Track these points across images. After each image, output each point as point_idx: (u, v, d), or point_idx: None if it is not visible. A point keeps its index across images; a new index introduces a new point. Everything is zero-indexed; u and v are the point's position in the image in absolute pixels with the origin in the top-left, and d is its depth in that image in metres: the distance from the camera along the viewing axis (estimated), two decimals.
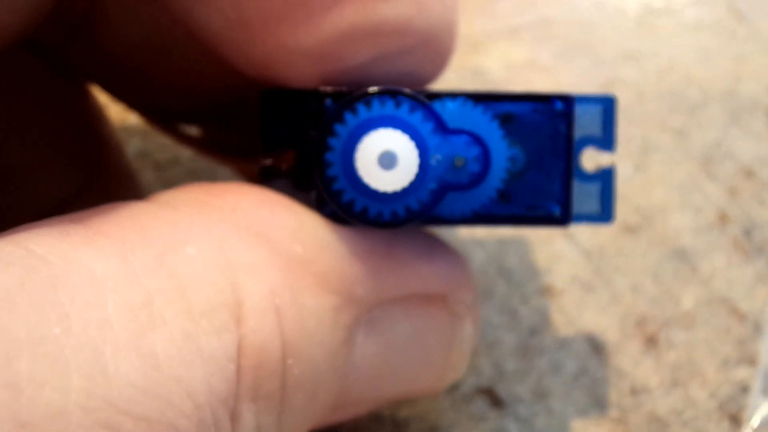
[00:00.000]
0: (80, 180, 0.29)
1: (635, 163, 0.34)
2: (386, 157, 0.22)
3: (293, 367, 0.21)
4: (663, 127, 0.34)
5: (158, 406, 0.18)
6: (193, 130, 0.32)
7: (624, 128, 0.32)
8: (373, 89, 0.23)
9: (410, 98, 0.23)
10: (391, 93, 0.23)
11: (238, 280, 0.21)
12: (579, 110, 0.24)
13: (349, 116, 0.23)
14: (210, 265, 0.20)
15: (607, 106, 0.24)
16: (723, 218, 0.33)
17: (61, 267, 0.18)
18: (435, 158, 0.23)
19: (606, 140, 0.24)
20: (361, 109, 0.23)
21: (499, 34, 0.36)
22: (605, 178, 0.24)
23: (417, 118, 0.23)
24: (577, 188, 0.24)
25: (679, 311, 0.31)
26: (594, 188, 0.24)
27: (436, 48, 0.24)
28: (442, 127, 0.23)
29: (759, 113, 0.35)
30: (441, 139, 0.23)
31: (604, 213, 0.24)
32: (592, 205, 0.24)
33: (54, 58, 0.29)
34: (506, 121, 0.23)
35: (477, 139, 0.23)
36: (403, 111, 0.23)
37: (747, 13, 0.36)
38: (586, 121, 0.24)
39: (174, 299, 0.19)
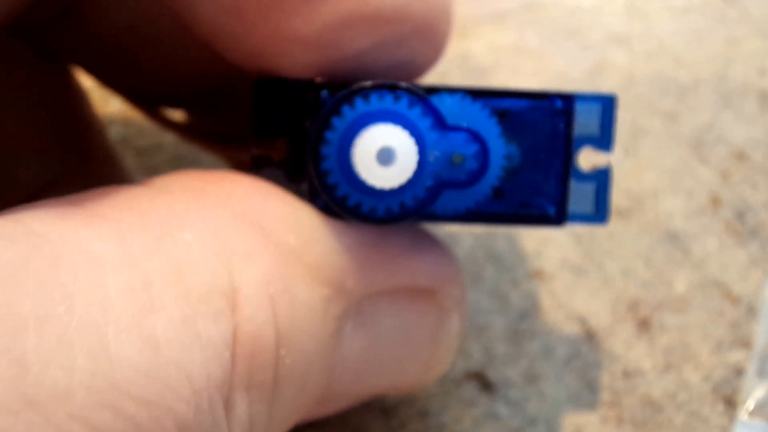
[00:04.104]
0: (63, 162, 0.29)
1: (625, 146, 0.33)
2: (385, 153, 0.22)
3: (285, 358, 0.21)
4: (653, 110, 0.34)
5: (159, 390, 0.18)
6: (177, 115, 0.31)
7: None
8: (371, 83, 0.22)
9: (409, 92, 0.22)
10: (389, 87, 0.22)
11: (234, 267, 0.21)
12: (578, 108, 0.23)
13: (346, 109, 0.22)
14: (206, 251, 0.20)
15: (606, 105, 0.23)
16: (715, 201, 0.32)
17: (62, 246, 0.18)
18: (433, 155, 0.22)
19: (604, 140, 0.24)
20: (359, 102, 0.22)
21: (485, 18, 0.36)
22: (601, 178, 0.24)
23: (416, 113, 0.22)
24: (572, 188, 0.24)
25: (672, 295, 0.31)
26: (589, 188, 0.24)
27: (433, 35, 0.24)
28: (440, 122, 0.22)
29: (750, 96, 0.34)
30: (439, 136, 0.22)
31: (599, 214, 0.24)
32: (587, 205, 0.24)
33: (38, 40, 0.28)
34: (504, 117, 0.23)
35: (475, 136, 0.23)
36: (402, 105, 0.22)
37: None
38: (584, 120, 0.23)
39: (172, 283, 0.19)
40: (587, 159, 0.24)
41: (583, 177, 0.24)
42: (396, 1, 0.23)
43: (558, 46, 0.35)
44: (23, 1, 0.24)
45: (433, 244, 0.25)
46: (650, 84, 0.34)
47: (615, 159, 0.33)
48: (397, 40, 0.23)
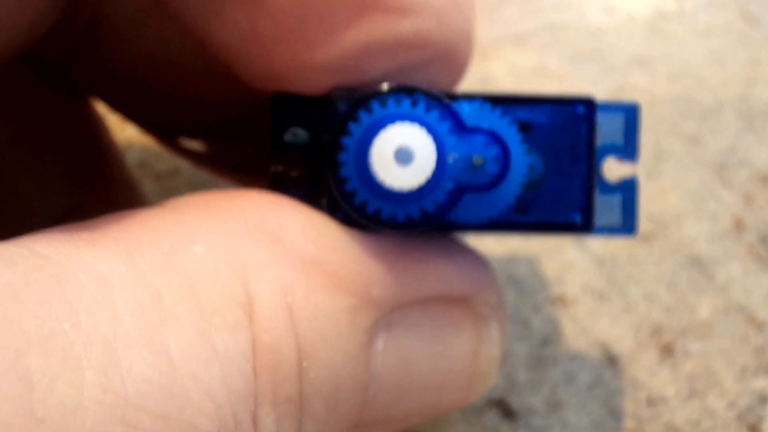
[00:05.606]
0: (81, 192, 0.29)
1: (647, 170, 0.33)
2: (402, 153, 0.21)
3: (309, 371, 0.20)
4: (675, 133, 0.34)
5: (177, 404, 0.18)
6: (194, 144, 0.31)
7: None
8: (387, 87, 0.22)
9: (426, 96, 0.22)
10: (406, 90, 0.22)
11: (249, 278, 0.20)
12: (601, 118, 0.23)
13: (363, 115, 0.22)
14: (219, 263, 0.20)
15: (630, 114, 0.23)
16: (739, 225, 0.32)
17: (65, 266, 0.18)
18: (452, 156, 0.22)
19: (628, 149, 0.23)
20: (376, 107, 0.22)
21: (505, 40, 0.35)
22: (627, 188, 0.23)
23: (433, 116, 0.22)
24: (599, 199, 0.23)
25: (696, 320, 0.31)
26: (615, 199, 0.23)
27: (455, 59, 0.24)
28: (459, 125, 0.22)
29: None
30: (458, 138, 0.22)
31: (627, 225, 0.23)
32: (614, 217, 0.23)
33: (55, 71, 0.28)
34: (525, 129, 0.22)
35: (496, 139, 0.22)
36: (420, 110, 0.22)
37: (760, 16, 0.35)
38: (607, 129, 0.23)
39: (184, 297, 0.19)
40: (612, 171, 0.23)
41: (609, 188, 0.23)
42: (418, 28, 0.23)
43: (579, 68, 0.35)
44: (38, 32, 0.24)
45: (463, 249, 0.24)
46: (672, 106, 0.34)
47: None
48: (418, 65, 0.23)
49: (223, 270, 0.20)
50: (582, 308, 0.31)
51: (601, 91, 0.34)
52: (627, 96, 0.34)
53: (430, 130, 0.22)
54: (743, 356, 0.30)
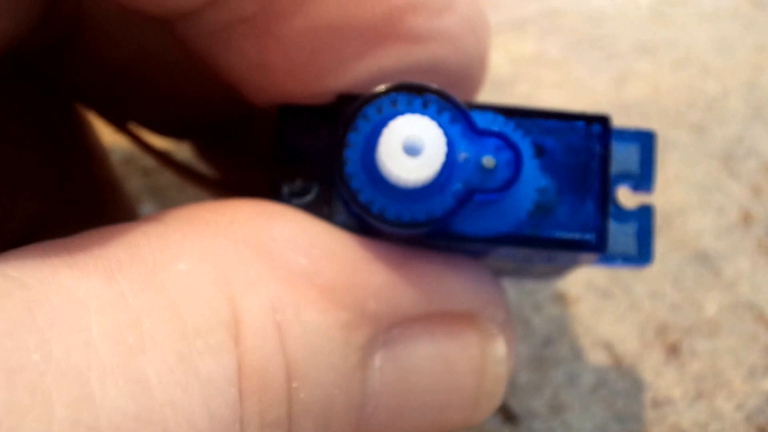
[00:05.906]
0: (64, 193, 0.28)
1: None
2: (411, 144, 0.20)
3: (299, 391, 0.20)
4: (680, 122, 0.33)
5: None
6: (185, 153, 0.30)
7: (639, 124, 0.30)
8: (394, 84, 0.21)
9: (438, 97, 0.21)
10: (417, 89, 0.21)
11: (235, 295, 0.20)
12: (616, 146, 0.23)
13: (372, 112, 0.21)
14: (204, 280, 0.19)
15: (645, 142, 0.23)
16: (746, 218, 0.31)
17: (38, 290, 0.18)
18: (462, 155, 0.21)
19: (644, 178, 0.23)
20: (386, 106, 0.21)
21: (503, 26, 0.35)
22: (643, 217, 0.23)
23: (445, 119, 0.21)
24: (614, 228, 0.23)
25: (703, 318, 0.30)
26: (631, 228, 0.23)
27: (468, 81, 0.24)
28: (471, 128, 0.21)
29: None
30: (470, 141, 0.21)
31: (642, 254, 0.23)
32: (629, 246, 0.23)
33: (38, 70, 0.28)
34: (538, 147, 0.22)
35: (508, 144, 0.21)
36: (431, 112, 0.21)
37: (767, 0, 0.35)
38: (622, 157, 0.23)
39: (165, 319, 0.18)
40: (628, 200, 0.23)
41: (625, 217, 0.23)
42: (434, 56, 0.22)
43: (580, 55, 0.34)
44: (18, 31, 0.23)
45: (469, 264, 0.23)
46: (677, 94, 0.33)
47: None
48: None
49: (208, 288, 0.19)
50: (585, 307, 0.30)
51: (603, 79, 0.34)
52: (630, 84, 0.33)
53: (441, 127, 0.21)
54: (752, 355, 0.29)
